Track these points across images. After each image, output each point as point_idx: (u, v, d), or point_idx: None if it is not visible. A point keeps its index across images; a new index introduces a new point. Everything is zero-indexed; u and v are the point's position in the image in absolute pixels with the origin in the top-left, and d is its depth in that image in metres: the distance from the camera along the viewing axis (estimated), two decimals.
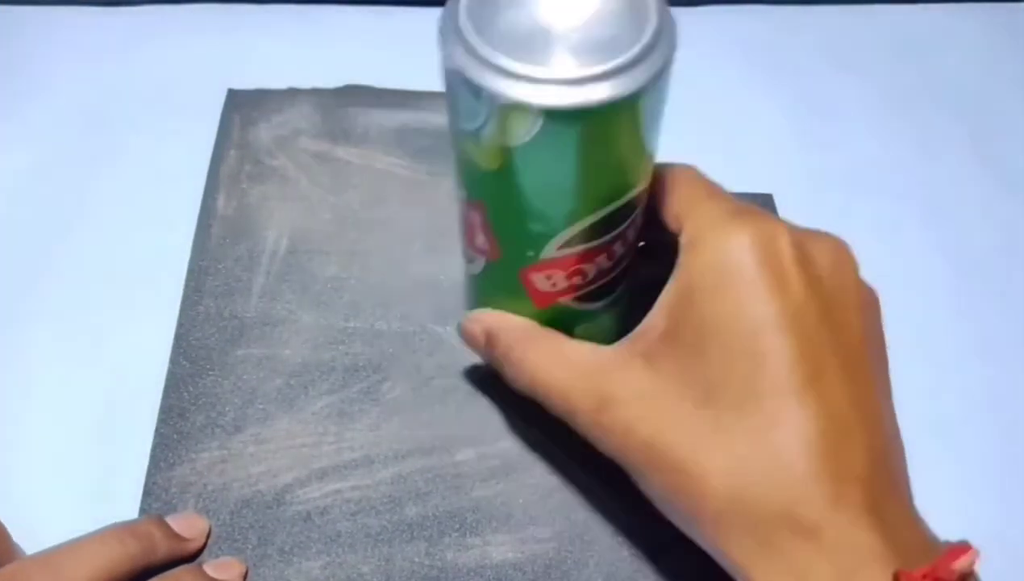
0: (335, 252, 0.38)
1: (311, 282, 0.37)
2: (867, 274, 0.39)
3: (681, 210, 0.27)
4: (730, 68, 0.48)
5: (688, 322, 0.25)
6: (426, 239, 0.39)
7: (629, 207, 0.27)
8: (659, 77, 0.23)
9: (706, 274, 0.25)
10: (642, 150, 0.25)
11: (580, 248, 0.27)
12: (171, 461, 0.33)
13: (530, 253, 0.27)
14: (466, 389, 0.35)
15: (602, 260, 0.28)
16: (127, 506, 0.32)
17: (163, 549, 0.29)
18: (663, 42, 0.23)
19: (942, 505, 0.33)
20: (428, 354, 0.35)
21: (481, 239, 0.28)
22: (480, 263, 0.29)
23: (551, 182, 0.25)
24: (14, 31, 0.47)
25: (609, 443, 0.26)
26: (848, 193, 0.43)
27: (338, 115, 0.42)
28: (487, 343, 0.30)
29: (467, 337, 0.31)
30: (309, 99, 0.43)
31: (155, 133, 0.43)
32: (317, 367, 0.35)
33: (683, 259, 0.26)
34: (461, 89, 0.23)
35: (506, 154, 0.24)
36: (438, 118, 0.42)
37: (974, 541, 0.32)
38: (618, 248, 0.28)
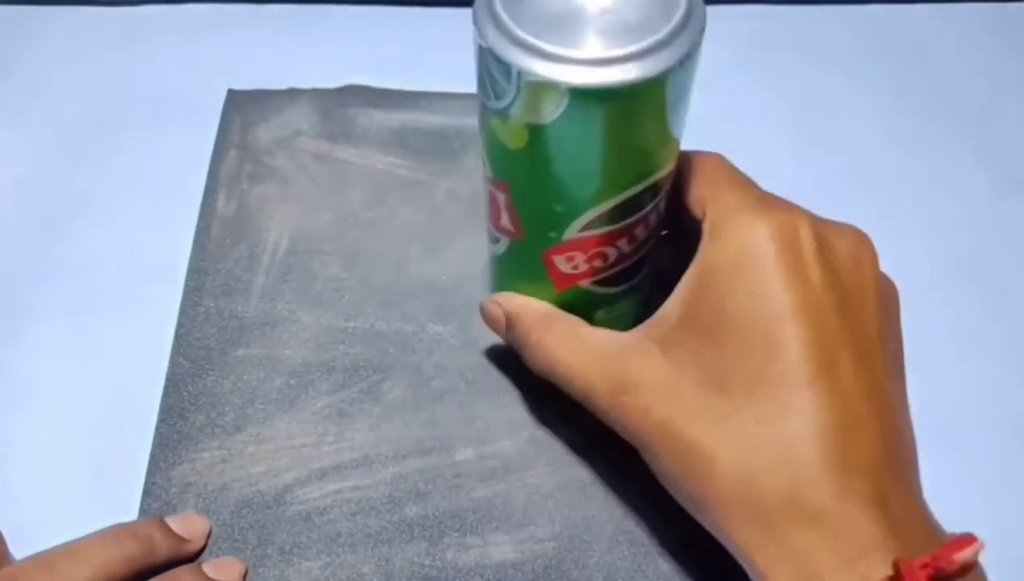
0: (335, 252, 0.38)
1: (311, 282, 0.37)
2: None
3: (705, 196, 0.27)
4: (730, 68, 0.48)
5: (705, 309, 0.25)
6: (426, 239, 0.39)
7: (652, 191, 0.27)
8: (686, 60, 0.23)
9: (725, 262, 0.25)
10: (667, 133, 0.26)
11: (602, 230, 0.27)
12: (171, 461, 0.33)
13: (552, 234, 0.28)
14: (466, 389, 0.35)
15: (623, 243, 0.28)
16: (127, 506, 0.32)
17: (163, 550, 0.29)
18: (691, 25, 0.23)
19: (942, 505, 0.33)
20: (428, 354, 0.35)
21: (505, 219, 0.29)
22: (504, 243, 0.30)
23: (576, 162, 0.25)
24: (14, 31, 0.47)
25: (626, 424, 0.27)
26: (848, 193, 0.42)
27: (338, 115, 0.42)
28: (508, 326, 0.31)
29: (488, 319, 0.32)
30: (309, 99, 0.43)
31: (155, 133, 0.43)
32: (317, 367, 0.35)
33: (703, 246, 0.26)
34: (491, 66, 0.24)
35: (532, 133, 0.24)
36: (438, 118, 0.42)
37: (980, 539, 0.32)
38: (640, 232, 0.28)
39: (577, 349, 0.29)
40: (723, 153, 0.44)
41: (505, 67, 0.23)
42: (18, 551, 0.29)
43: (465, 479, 0.33)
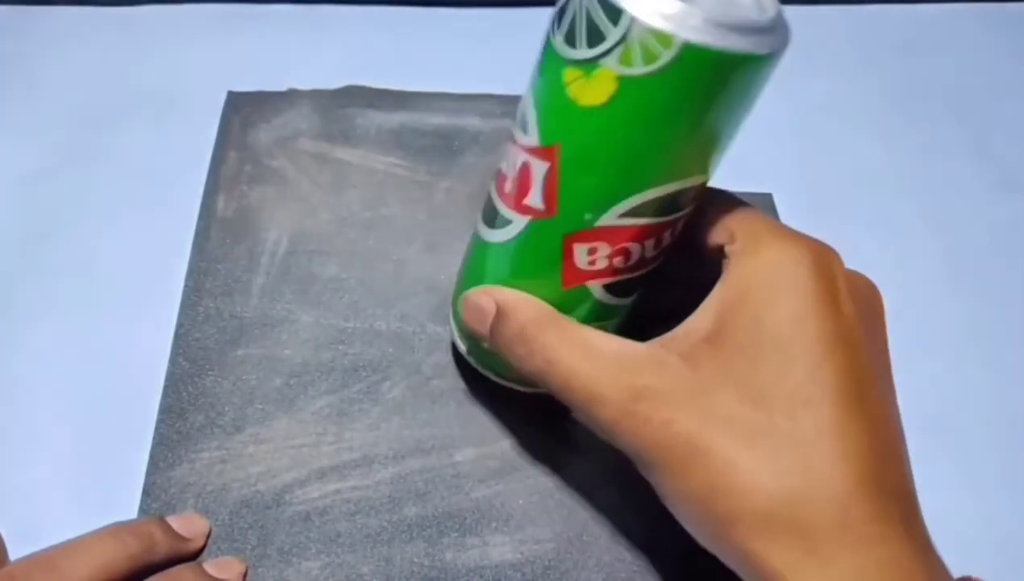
0: (335, 252, 0.38)
1: (311, 282, 0.37)
2: (866, 274, 0.39)
3: (733, 222, 0.27)
4: None
5: (740, 325, 0.25)
6: (426, 239, 0.39)
7: (694, 193, 0.27)
8: (781, 52, 0.24)
9: (763, 280, 0.25)
10: (735, 129, 0.26)
11: (638, 221, 0.26)
12: (170, 461, 0.33)
13: (588, 216, 0.26)
14: (465, 389, 0.35)
15: (649, 245, 0.27)
16: (127, 506, 0.32)
17: (163, 549, 0.29)
18: (784, 24, 0.25)
19: (940, 505, 0.33)
20: (428, 354, 0.35)
21: (536, 194, 0.27)
22: (516, 227, 0.28)
23: (654, 128, 0.24)
24: (15, 31, 0.47)
25: (639, 436, 0.25)
26: (848, 193, 0.43)
27: (337, 116, 0.42)
28: (498, 317, 0.28)
29: (471, 309, 0.30)
30: (308, 100, 0.43)
31: (154, 133, 0.43)
32: (317, 367, 0.35)
33: (736, 263, 0.26)
34: (594, 10, 0.23)
35: (622, 87, 0.24)
36: (437, 118, 0.42)
37: (972, 541, 0.32)
38: (666, 237, 0.28)
39: (583, 351, 0.27)
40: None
41: (614, 10, 0.23)
42: (18, 551, 0.29)
43: (465, 479, 0.33)
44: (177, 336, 0.36)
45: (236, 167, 0.41)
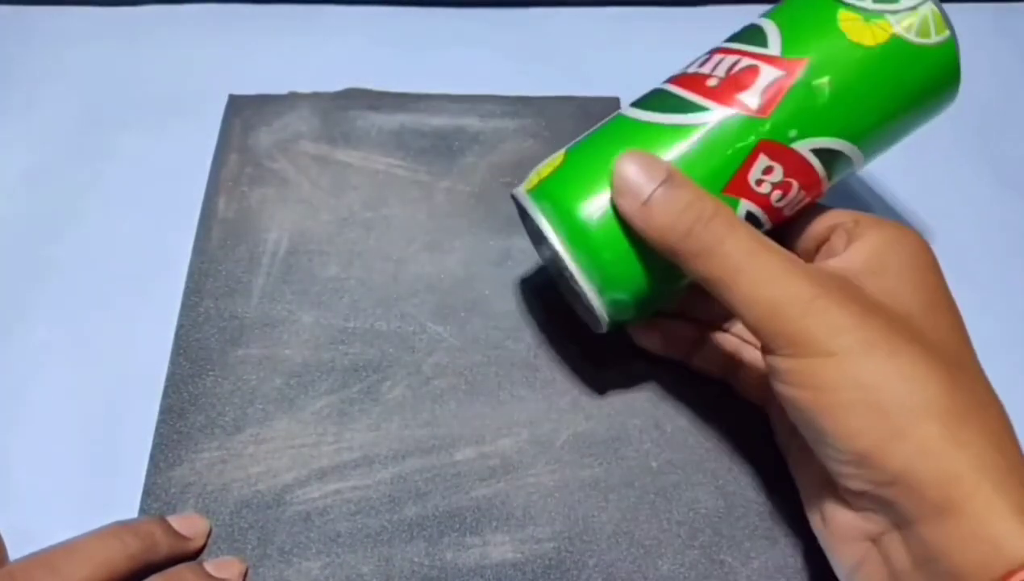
0: (335, 252, 0.38)
1: (311, 282, 0.37)
2: None
3: (852, 213, 0.31)
4: None
5: (893, 269, 0.28)
6: (426, 239, 0.39)
7: (849, 171, 0.31)
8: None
9: (902, 247, 0.29)
10: (906, 136, 0.32)
11: (815, 164, 0.30)
12: (171, 461, 0.33)
13: (793, 132, 0.29)
14: (465, 389, 0.35)
15: (800, 196, 0.30)
16: (127, 506, 0.32)
17: (164, 548, 0.29)
18: None
19: None
20: (428, 354, 0.36)
21: (753, 94, 0.29)
22: (715, 115, 0.29)
23: (893, 86, 0.29)
24: (15, 31, 0.47)
25: (827, 317, 0.26)
26: (847, 193, 0.43)
27: (338, 118, 0.42)
28: (669, 181, 0.28)
29: (634, 166, 0.28)
30: (309, 103, 0.43)
31: (155, 133, 0.43)
32: (317, 367, 0.35)
33: (868, 232, 0.29)
34: None
35: (891, 40, 0.29)
36: (437, 119, 0.42)
37: None
38: (805, 201, 0.31)
39: (766, 242, 0.27)
40: None
41: None
42: (18, 551, 0.29)
43: (465, 479, 0.33)
44: (177, 336, 0.36)
45: (237, 169, 0.41)
